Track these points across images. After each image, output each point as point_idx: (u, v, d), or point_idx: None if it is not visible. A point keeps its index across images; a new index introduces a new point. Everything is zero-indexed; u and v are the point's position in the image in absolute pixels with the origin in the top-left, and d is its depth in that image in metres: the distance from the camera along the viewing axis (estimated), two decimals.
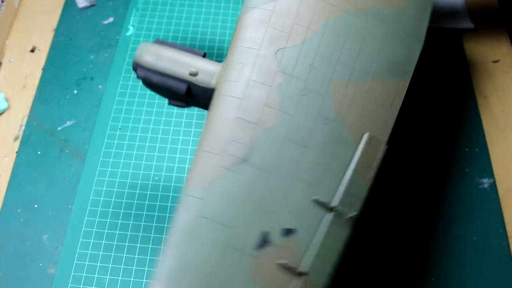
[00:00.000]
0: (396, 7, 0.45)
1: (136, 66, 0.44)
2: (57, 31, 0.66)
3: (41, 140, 0.57)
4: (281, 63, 0.42)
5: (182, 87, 0.43)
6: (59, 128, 0.58)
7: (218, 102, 0.41)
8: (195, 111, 0.59)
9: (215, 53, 0.64)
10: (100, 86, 0.61)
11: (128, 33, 0.66)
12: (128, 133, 0.58)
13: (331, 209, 0.38)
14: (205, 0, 0.69)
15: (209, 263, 0.36)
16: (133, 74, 0.62)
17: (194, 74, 0.43)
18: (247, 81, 0.41)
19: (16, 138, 0.58)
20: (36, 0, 0.69)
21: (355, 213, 0.38)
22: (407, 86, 0.42)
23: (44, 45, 0.65)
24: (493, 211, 0.53)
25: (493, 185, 0.54)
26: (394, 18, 0.45)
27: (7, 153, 0.57)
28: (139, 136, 0.57)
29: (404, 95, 0.42)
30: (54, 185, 0.54)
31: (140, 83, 0.61)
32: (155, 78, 0.44)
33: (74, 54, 0.64)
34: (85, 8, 0.68)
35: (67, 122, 0.59)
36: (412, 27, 0.45)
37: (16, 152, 0.57)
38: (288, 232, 0.37)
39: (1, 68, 0.63)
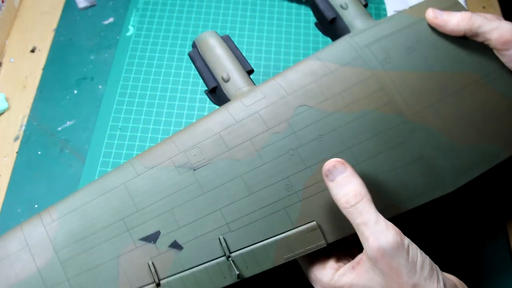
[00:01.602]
0: (454, 141, 0.41)
1: (194, 45, 0.48)
2: (57, 31, 0.66)
3: (41, 140, 0.57)
4: (294, 117, 0.41)
5: (211, 84, 0.45)
6: (59, 128, 0.58)
7: (218, 112, 0.42)
8: (195, 111, 0.59)
9: None
10: (100, 86, 0.61)
11: (128, 33, 0.66)
12: (129, 133, 0.58)
13: (227, 257, 0.38)
14: (205, 1, 0.69)
15: (99, 223, 0.38)
16: (133, 74, 0.62)
17: (225, 80, 0.44)
18: (254, 112, 0.41)
19: (16, 138, 0.58)
20: (36, 0, 0.69)
21: (239, 273, 0.37)
22: (398, 213, 0.40)
23: (44, 45, 0.65)
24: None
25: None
26: (443, 149, 0.41)
27: (7, 153, 0.57)
28: (139, 136, 0.57)
29: (389, 217, 0.39)
30: (55, 185, 0.54)
31: (141, 83, 0.61)
32: (198, 63, 0.47)
33: (74, 54, 0.64)
34: (85, 8, 0.68)
35: (67, 122, 0.59)
36: (455, 170, 0.41)
37: (16, 152, 0.57)
38: (175, 246, 0.38)
39: (1, 68, 0.63)
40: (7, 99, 0.60)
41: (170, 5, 0.68)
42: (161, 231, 0.38)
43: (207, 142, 0.40)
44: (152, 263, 0.37)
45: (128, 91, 0.61)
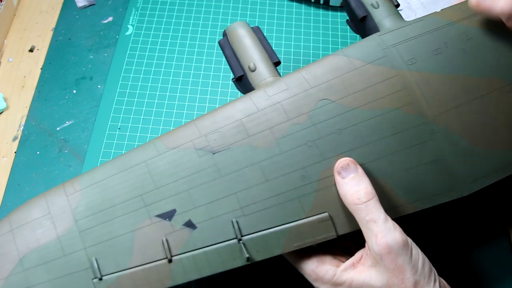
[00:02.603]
0: (473, 145, 0.41)
1: (224, 34, 0.49)
2: (56, 30, 0.66)
3: (40, 140, 0.57)
4: (315, 110, 0.41)
5: (238, 72, 0.47)
6: (58, 128, 0.58)
7: (241, 100, 0.43)
8: (194, 111, 0.59)
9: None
10: (99, 86, 0.61)
11: (128, 33, 0.65)
12: (128, 133, 0.57)
13: (238, 240, 0.38)
14: (205, 0, 0.68)
15: (118, 197, 0.39)
16: (132, 74, 0.62)
17: (251, 69, 0.46)
18: (277, 102, 0.42)
19: (15, 138, 0.57)
20: (35, 0, 0.68)
21: (248, 256, 0.38)
22: (410, 212, 0.40)
23: (43, 44, 0.64)
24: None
25: None
26: (462, 153, 0.41)
27: (6, 154, 0.56)
28: (139, 136, 0.57)
29: (400, 215, 0.40)
30: (53, 186, 0.53)
31: (140, 82, 0.61)
32: (227, 52, 0.48)
33: (73, 53, 0.64)
34: (84, 7, 0.68)
35: (66, 122, 0.59)
36: (473, 174, 0.41)
37: (15, 152, 0.56)
38: (189, 225, 0.39)
39: (0, 67, 0.63)
40: (5, 99, 0.60)
41: (169, 4, 0.68)
42: (176, 210, 0.39)
43: (228, 128, 0.41)
44: (166, 240, 0.38)
45: (127, 90, 0.60)
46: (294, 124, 0.41)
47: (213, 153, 0.40)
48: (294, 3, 0.68)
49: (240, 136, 0.41)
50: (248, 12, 0.67)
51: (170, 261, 0.38)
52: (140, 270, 0.37)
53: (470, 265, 0.49)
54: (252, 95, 0.43)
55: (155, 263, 0.38)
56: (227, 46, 0.48)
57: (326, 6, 0.67)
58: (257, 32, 0.48)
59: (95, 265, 0.37)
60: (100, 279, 0.37)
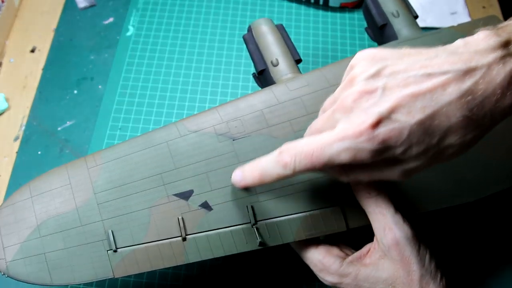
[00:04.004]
0: (484, 154, 0.43)
1: (249, 29, 0.51)
2: (57, 31, 0.66)
3: (41, 140, 0.58)
4: None
5: (260, 66, 0.49)
6: (59, 128, 0.58)
7: (263, 92, 0.45)
8: (195, 111, 0.59)
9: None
10: (100, 86, 0.61)
11: (128, 34, 0.66)
12: (128, 133, 0.58)
13: (252, 224, 0.39)
14: (205, 1, 0.69)
15: (138, 174, 0.40)
16: (133, 74, 0.62)
17: (274, 64, 0.48)
18: (297, 97, 0.43)
19: (16, 138, 0.58)
20: (36, 0, 0.69)
21: (261, 241, 0.39)
22: (417, 212, 0.41)
23: (44, 45, 0.65)
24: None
25: None
26: (472, 160, 0.42)
27: (7, 154, 0.57)
28: None
29: (409, 214, 0.40)
30: None
31: (140, 83, 0.61)
32: (251, 46, 0.50)
33: (74, 54, 0.64)
34: (85, 8, 0.68)
35: (67, 122, 0.59)
36: (480, 182, 0.42)
37: (16, 152, 0.57)
38: (205, 206, 0.40)
39: (1, 68, 0.63)
40: (7, 99, 0.60)
41: (170, 5, 0.68)
42: (194, 191, 0.40)
43: (249, 116, 0.43)
44: (182, 218, 0.39)
45: (128, 91, 0.61)
46: (313, 118, 0.42)
47: (233, 140, 0.42)
48: (294, 4, 0.68)
49: (260, 126, 0.42)
50: (248, 13, 0.68)
51: (184, 239, 0.39)
52: (154, 246, 0.39)
53: (476, 268, 0.50)
54: (273, 88, 0.44)
55: (170, 240, 0.39)
56: (251, 41, 0.50)
57: (326, 7, 0.68)
58: (280, 29, 0.50)
59: (111, 237, 0.38)
60: (115, 251, 0.38)
